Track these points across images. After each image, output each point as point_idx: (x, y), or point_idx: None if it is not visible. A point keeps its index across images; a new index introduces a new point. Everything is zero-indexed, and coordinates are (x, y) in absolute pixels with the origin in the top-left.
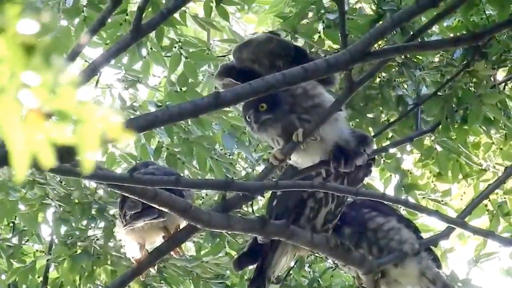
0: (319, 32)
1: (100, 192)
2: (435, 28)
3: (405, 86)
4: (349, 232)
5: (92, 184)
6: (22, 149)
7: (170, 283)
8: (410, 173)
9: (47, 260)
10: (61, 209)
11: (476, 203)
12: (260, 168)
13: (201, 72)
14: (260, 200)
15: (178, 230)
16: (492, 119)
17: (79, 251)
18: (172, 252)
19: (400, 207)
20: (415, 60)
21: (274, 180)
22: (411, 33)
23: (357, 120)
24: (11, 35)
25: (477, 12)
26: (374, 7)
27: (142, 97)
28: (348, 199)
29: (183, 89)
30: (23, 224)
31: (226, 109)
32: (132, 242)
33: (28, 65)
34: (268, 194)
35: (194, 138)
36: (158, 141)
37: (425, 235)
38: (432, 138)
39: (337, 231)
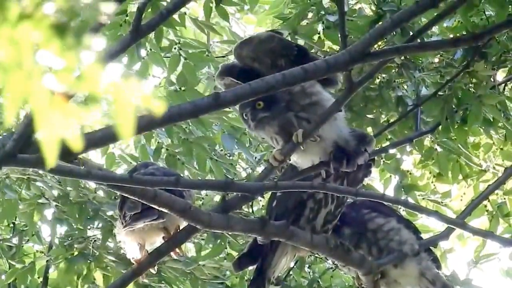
0: (319, 33)
1: (100, 192)
2: (435, 28)
3: (405, 87)
4: (349, 232)
5: (92, 184)
6: (53, 134)
7: (170, 283)
8: (410, 173)
9: (47, 260)
10: (58, 209)
11: (475, 204)
12: (260, 169)
13: (201, 74)
14: (260, 200)
15: (178, 230)
16: (492, 120)
17: (76, 253)
18: (172, 253)
19: (400, 208)
20: (414, 61)
21: (274, 180)
22: (411, 33)
23: (357, 121)
24: (40, 17)
25: (477, 12)
26: (373, 8)
27: None
28: (348, 200)
29: (183, 88)
30: (23, 224)
31: (226, 109)
32: (132, 243)
33: (60, 46)
34: (268, 195)
35: (194, 139)
36: (158, 142)
37: (424, 236)
38: (432, 138)
39: (337, 231)
